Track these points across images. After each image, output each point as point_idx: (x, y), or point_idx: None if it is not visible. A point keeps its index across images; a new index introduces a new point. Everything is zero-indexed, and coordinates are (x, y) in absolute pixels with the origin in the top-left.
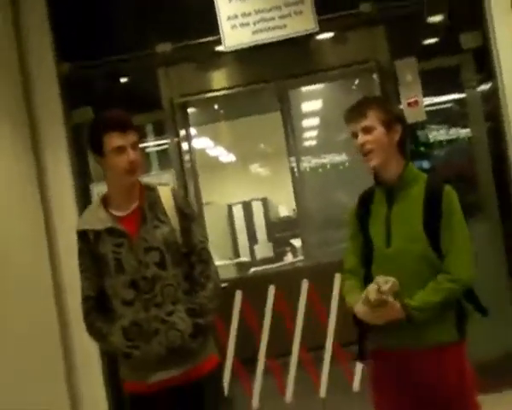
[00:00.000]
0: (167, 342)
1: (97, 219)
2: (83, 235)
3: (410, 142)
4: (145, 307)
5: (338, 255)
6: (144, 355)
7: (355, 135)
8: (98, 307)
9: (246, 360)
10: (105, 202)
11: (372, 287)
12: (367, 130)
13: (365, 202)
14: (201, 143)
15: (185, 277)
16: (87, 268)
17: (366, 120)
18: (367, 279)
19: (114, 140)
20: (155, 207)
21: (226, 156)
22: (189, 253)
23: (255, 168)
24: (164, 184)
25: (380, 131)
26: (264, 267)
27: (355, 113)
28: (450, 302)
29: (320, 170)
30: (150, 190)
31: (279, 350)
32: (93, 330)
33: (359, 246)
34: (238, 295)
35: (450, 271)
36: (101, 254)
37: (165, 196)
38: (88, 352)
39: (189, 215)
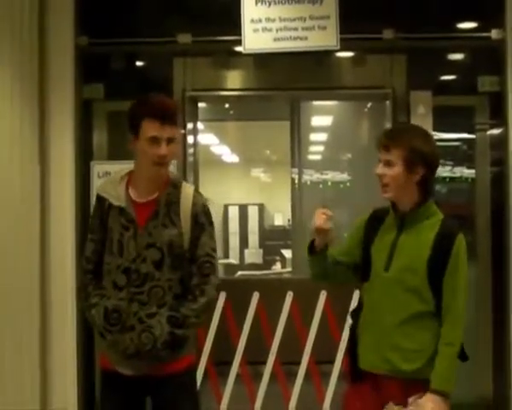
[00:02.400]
0: (138, 343)
1: (115, 193)
2: (101, 200)
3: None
4: (129, 300)
5: None
6: (115, 344)
7: (379, 161)
8: (95, 273)
9: (220, 364)
10: (129, 179)
11: None
12: (388, 164)
13: (377, 219)
14: (207, 139)
15: (181, 281)
16: (95, 230)
17: (388, 155)
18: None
19: (151, 129)
20: (172, 205)
21: (229, 156)
22: (192, 261)
23: (256, 173)
24: (189, 184)
25: (399, 169)
26: (251, 273)
27: (382, 142)
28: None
29: (321, 185)
30: (174, 187)
31: (255, 358)
32: (84, 293)
33: (353, 254)
34: (221, 296)
35: (446, 334)
36: (108, 228)
37: (186, 197)
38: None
39: (202, 225)
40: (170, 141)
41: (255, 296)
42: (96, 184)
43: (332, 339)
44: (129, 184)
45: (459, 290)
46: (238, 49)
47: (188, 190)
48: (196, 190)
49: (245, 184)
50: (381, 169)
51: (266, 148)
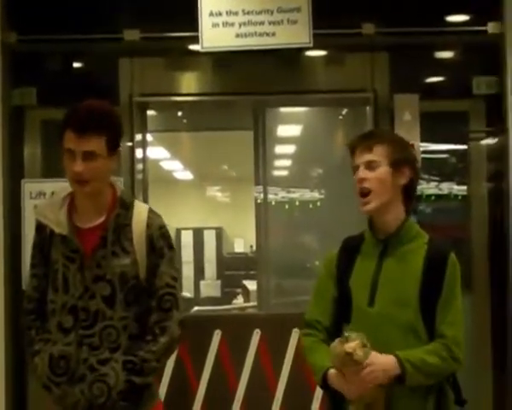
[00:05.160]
0: (90, 395)
1: (56, 218)
2: (40, 228)
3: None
4: (79, 344)
5: (298, 308)
6: (64, 397)
7: (356, 169)
8: (38, 313)
9: None
10: (71, 202)
11: (351, 343)
12: (370, 166)
13: (351, 250)
14: (156, 152)
15: (139, 319)
16: (37, 264)
17: (371, 154)
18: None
19: (67, 141)
20: (123, 230)
21: (182, 173)
22: (150, 294)
23: (214, 192)
24: (142, 203)
25: (384, 170)
26: (209, 308)
27: (360, 144)
28: (439, 378)
29: (286, 206)
30: (124, 208)
31: (217, 409)
32: (27, 338)
33: (328, 300)
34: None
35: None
36: (51, 260)
37: (139, 219)
38: None
39: (160, 250)
40: (89, 156)
41: (216, 336)
42: (28, 207)
43: (307, 385)
44: (71, 207)
45: (458, 318)
46: (194, 47)
47: (141, 209)
48: (151, 210)
49: (200, 204)
50: (361, 172)
51: (225, 162)
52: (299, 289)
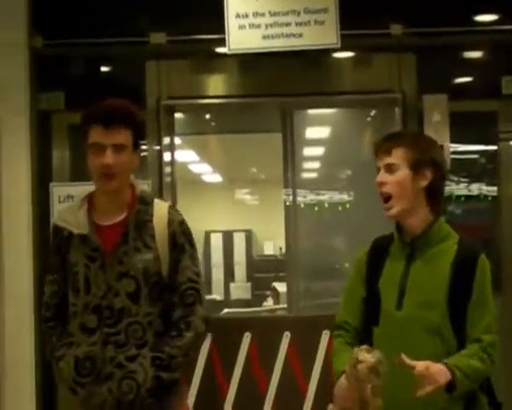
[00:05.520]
0: (119, 393)
1: (75, 219)
2: (58, 231)
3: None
4: (103, 343)
5: (328, 310)
6: (89, 398)
7: (378, 172)
8: (58, 320)
9: None
10: (90, 202)
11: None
12: (389, 169)
13: (380, 251)
14: (185, 155)
15: (162, 315)
16: (55, 270)
17: (390, 157)
18: (366, 341)
19: (93, 135)
20: (144, 226)
21: (211, 175)
22: (172, 290)
23: (243, 194)
24: (162, 201)
25: (404, 173)
26: (239, 310)
27: (381, 146)
28: (481, 382)
29: (316, 208)
30: (144, 204)
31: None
32: (48, 345)
33: (358, 301)
34: (207, 338)
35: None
36: (70, 262)
37: (160, 215)
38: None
39: (182, 246)
40: (118, 149)
41: (246, 338)
42: (56, 210)
43: None
44: (91, 207)
45: (492, 322)
46: (221, 49)
47: (161, 206)
48: (171, 207)
49: (229, 207)
50: (381, 176)
51: (254, 165)
52: (328, 292)
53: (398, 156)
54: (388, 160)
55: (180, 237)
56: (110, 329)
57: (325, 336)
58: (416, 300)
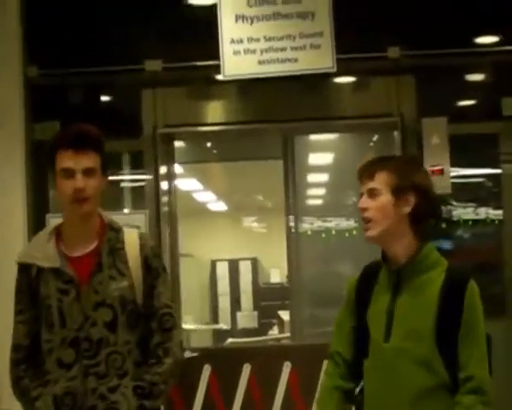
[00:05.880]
0: None
1: (44, 253)
2: (24, 269)
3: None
4: (84, 375)
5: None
6: None
7: (361, 197)
8: (30, 361)
9: None
10: (58, 235)
11: None
12: (372, 194)
13: (369, 278)
14: (188, 184)
15: (139, 344)
16: (24, 309)
17: (372, 182)
18: (357, 373)
19: (63, 160)
20: (116, 253)
21: (216, 204)
22: (150, 317)
23: (248, 222)
24: (131, 227)
25: (386, 198)
26: (242, 340)
27: (364, 171)
28: None
29: (323, 235)
30: (114, 231)
31: None
32: (19, 389)
33: (348, 330)
34: (206, 369)
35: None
36: (42, 297)
37: (131, 241)
38: None
39: (156, 271)
40: (88, 172)
41: (246, 369)
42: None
43: None
44: (59, 239)
45: (484, 352)
46: (218, 76)
47: (131, 233)
48: (141, 233)
49: (235, 235)
50: (363, 201)
51: (259, 192)
52: (334, 319)
53: (380, 181)
54: (371, 184)
55: (153, 260)
56: (89, 361)
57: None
58: (403, 331)
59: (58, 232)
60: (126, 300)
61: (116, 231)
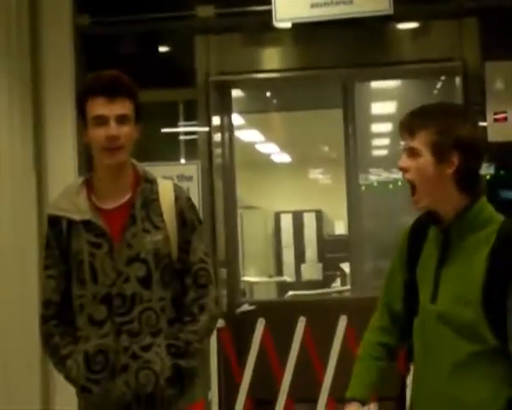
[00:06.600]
0: (136, 385)
1: (75, 206)
2: (54, 222)
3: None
4: (116, 333)
5: None
6: (105, 395)
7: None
8: (60, 318)
9: (263, 402)
10: (89, 186)
11: None
12: (411, 153)
13: (419, 231)
14: (249, 135)
15: (174, 301)
16: (54, 264)
17: (412, 141)
18: (406, 329)
19: (95, 107)
20: (151, 205)
21: (279, 155)
22: (184, 272)
23: (313, 174)
24: (166, 179)
25: (426, 160)
26: (302, 292)
27: (404, 126)
28: None
29: (391, 186)
30: (148, 183)
31: (303, 395)
32: (49, 347)
33: (400, 282)
34: (261, 323)
35: None
36: (73, 252)
37: (166, 193)
38: None
39: (192, 224)
40: (121, 120)
41: (301, 323)
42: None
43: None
44: (90, 191)
45: None
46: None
47: (166, 184)
48: (176, 184)
49: (300, 187)
50: (403, 160)
51: (323, 143)
52: None
53: (420, 140)
54: (410, 143)
55: (189, 213)
56: (123, 318)
57: None
58: (450, 294)
59: (89, 184)
60: (161, 254)
61: (150, 182)
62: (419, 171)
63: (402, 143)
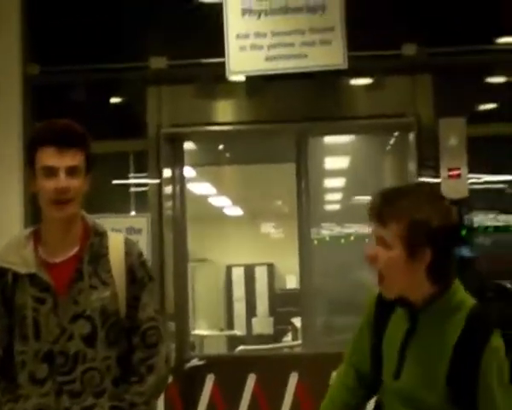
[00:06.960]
0: None
1: (21, 258)
2: (0, 274)
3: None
4: (57, 393)
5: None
6: None
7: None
8: (3, 373)
9: None
10: (37, 238)
11: None
12: (381, 242)
13: (386, 303)
14: (202, 188)
15: (120, 360)
16: None
17: (383, 230)
18: (371, 388)
19: (45, 158)
20: (99, 260)
21: (231, 209)
22: (132, 330)
23: (265, 228)
24: (116, 232)
25: (397, 253)
26: (252, 347)
27: (374, 214)
28: None
29: (342, 240)
30: (98, 236)
31: None
32: None
33: (368, 341)
34: (210, 379)
35: None
36: (17, 306)
37: (116, 248)
38: None
39: (142, 281)
40: (71, 172)
41: (251, 379)
42: None
43: None
44: (38, 243)
45: None
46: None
47: (116, 237)
48: (127, 238)
49: (251, 241)
50: (372, 247)
51: (275, 197)
52: (349, 328)
53: (392, 232)
54: (381, 232)
55: (139, 270)
56: (64, 377)
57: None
58: (413, 374)
59: (37, 235)
60: (108, 311)
61: (100, 235)
62: (389, 263)
63: (371, 227)
